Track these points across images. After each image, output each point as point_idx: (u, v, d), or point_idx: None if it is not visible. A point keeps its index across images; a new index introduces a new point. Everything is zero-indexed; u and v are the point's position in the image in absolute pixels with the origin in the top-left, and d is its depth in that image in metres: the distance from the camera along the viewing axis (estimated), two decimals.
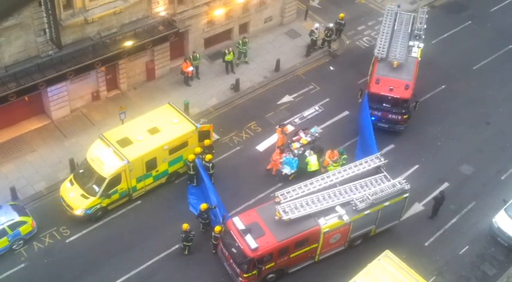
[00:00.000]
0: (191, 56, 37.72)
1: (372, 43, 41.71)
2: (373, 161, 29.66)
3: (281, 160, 32.29)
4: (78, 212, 29.35)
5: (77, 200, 29.44)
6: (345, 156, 31.91)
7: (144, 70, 37.47)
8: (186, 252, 28.76)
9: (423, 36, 37.07)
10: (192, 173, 31.29)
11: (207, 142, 31.88)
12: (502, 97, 38.87)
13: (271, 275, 27.56)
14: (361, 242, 29.49)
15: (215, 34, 40.05)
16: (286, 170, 32.25)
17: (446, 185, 32.93)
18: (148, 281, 27.94)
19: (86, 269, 28.13)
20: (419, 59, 35.79)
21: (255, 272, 26.47)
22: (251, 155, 34.01)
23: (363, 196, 27.77)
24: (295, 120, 36.28)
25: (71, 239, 29.34)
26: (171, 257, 28.89)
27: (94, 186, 29.55)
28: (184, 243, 28.35)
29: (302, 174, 31.74)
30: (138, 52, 35.14)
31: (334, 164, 31.62)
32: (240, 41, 39.27)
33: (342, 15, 42.11)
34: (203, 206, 28.87)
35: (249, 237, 26.30)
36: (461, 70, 40.67)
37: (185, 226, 27.99)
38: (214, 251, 28.72)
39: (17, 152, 32.90)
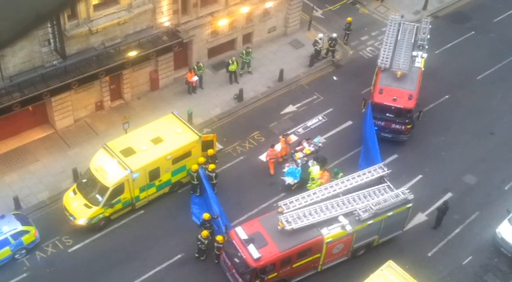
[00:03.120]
0: (195, 66, 37.84)
1: (375, 53, 41.75)
2: (376, 171, 29.61)
3: (284, 170, 32.30)
4: (81, 221, 29.37)
5: (80, 210, 29.47)
6: (341, 174, 31.09)
7: (148, 80, 37.60)
8: (204, 258, 28.90)
9: (426, 47, 37.12)
10: (195, 182, 31.31)
11: (210, 152, 31.91)
12: (506, 107, 38.81)
13: None
14: (364, 252, 29.41)
15: (219, 44, 40.18)
16: (289, 180, 32.22)
17: (449, 195, 32.84)
18: None
19: (89, 279, 28.12)
20: (423, 69, 35.82)
21: None
22: (254, 165, 34.02)
23: (366, 206, 27.71)
24: (299, 130, 36.30)
25: (74, 248, 29.36)
26: (174, 267, 28.85)
27: (97, 195, 29.59)
28: (204, 249, 28.47)
29: (305, 184, 31.70)
30: (142, 62, 35.28)
31: (315, 183, 31.34)
32: (244, 51, 39.39)
33: (349, 19, 42.35)
34: (206, 215, 28.86)
35: (251, 247, 26.26)
36: (464, 80, 40.66)
37: (205, 233, 28.03)
38: (216, 261, 28.66)
39: (21, 161, 33.00)
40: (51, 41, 31.04)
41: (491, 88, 40.14)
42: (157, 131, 31.26)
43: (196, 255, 28.87)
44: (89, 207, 29.43)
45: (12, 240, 27.94)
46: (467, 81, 40.65)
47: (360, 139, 34.83)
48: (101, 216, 29.65)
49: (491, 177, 34.12)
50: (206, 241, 28.12)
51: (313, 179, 31.56)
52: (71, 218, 29.55)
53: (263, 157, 34.34)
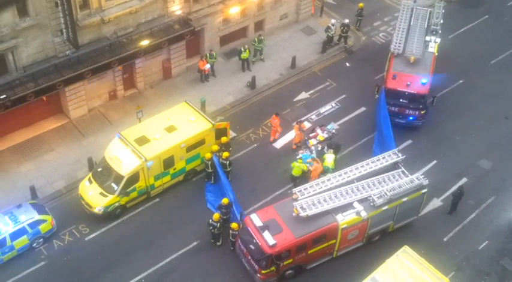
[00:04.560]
0: (207, 54, 37.81)
1: (388, 39, 41.52)
2: (390, 156, 29.54)
3: (298, 156, 32.27)
4: (97, 210, 29.56)
5: (96, 198, 29.65)
6: (330, 172, 30.94)
7: (161, 69, 37.63)
8: (220, 242, 29.11)
9: (440, 31, 36.85)
10: (209, 170, 31.39)
11: (224, 140, 31.95)
12: None
13: (289, 271, 27.56)
14: (379, 238, 29.39)
15: (231, 32, 40.10)
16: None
17: (464, 180, 32.70)
18: (167, 278, 28.09)
19: (105, 267, 28.34)
20: (436, 54, 35.58)
21: (273, 268, 26.53)
22: (268, 152, 34.03)
23: (381, 192, 27.68)
24: (312, 117, 36.23)
25: (90, 237, 29.58)
26: (190, 254, 29.00)
27: (112, 184, 29.74)
28: (217, 232, 28.64)
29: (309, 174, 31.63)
30: (154, 51, 35.30)
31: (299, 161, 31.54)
32: (256, 39, 39.28)
33: (361, 4, 42.13)
34: (225, 200, 28.93)
35: (266, 234, 26.33)
36: (478, 65, 40.35)
37: (216, 216, 28.25)
38: (232, 248, 28.78)
39: (36, 151, 33.20)
40: (64, 31, 31.13)
41: (505, 72, 39.82)
42: (170, 120, 31.33)
43: (212, 240, 29.02)
44: (105, 195, 29.60)
45: (29, 229, 28.18)
46: (481, 65, 40.35)
47: (373, 125, 34.71)
48: (116, 204, 29.82)
49: (507, 161, 33.91)
50: (218, 224, 28.24)
51: (327, 169, 31.46)
52: (87, 207, 29.78)
53: (277, 144, 34.36)
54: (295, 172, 31.50)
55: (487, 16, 44.65)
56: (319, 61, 40.36)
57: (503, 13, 45.02)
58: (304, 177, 31.58)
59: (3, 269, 28.00)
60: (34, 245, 28.71)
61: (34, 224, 28.34)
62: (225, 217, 29.05)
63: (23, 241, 28.19)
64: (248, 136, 34.93)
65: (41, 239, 28.86)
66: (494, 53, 41.22)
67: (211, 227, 28.54)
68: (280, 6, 41.62)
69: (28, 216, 28.44)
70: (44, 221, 28.66)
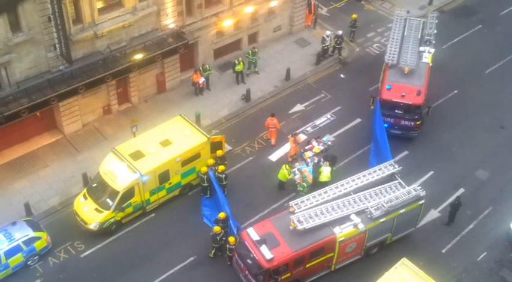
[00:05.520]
0: (201, 68, 37.72)
1: (382, 50, 41.55)
2: (387, 168, 29.43)
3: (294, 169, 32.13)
4: (93, 226, 29.29)
5: (91, 214, 29.39)
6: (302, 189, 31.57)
7: (155, 82, 37.50)
8: (212, 255, 28.88)
9: (433, 42, 36.90)
10: (205, 184, 31.19)
11: (219, 153, 31.79)
12: None
13: None
14: (378, 250, 29.21)
15: (224, 45, 40.06)
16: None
17: (462, 190, 32.60)
18: None
19: None
20: (431, 64, 35.59)
21: None
22: (264, 165, 33.87)
23: (378, 204, 27.55)
24: (308, 129, 36.13)
25: (86, 253, 29.29)
26: (187, 270, 28.74)
27: (108, 200, 29.50)
28: (213, 244, 28.46)
29: (315, 183, 31.51)
30: (148, 65, 35.19)
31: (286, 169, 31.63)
32: (250, 51, 39.24)
33: (354, 15, 42.20)
34: (222, 214, 28.74)
35: (264, 248, 26.11)
36: (473, 74, 40.39)
37: (217, 229, 28.08)
38: (229, 263, 28.53)
39: (30, 167, 32.95)
40: (57, 46, 30.99)
41: (500, 82, 39.88)
42: (165, 134, 31.16)
43: (211, 255, 28.80)
44: (100, 211, 29.34)
45: (24, 247, 27.89)
46: (476, 75, 40.39)
47: (369, 136, 34.63)
48: (112, 220, 29.56)
49: (503, 171, 33.85)
50: (218, 237, 28.12)
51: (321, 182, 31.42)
52: (82, 223, 29.51)
53: (273, 157, 34.22)
54: (280, 176, 31.64)
55: (480, 26, 44.78)
56: (313, 73, 40.33)
57: (496, 23, 45.16)
58: (291, 184, 31.72)
59: None
60: (29, 262, 28.39)
61: (29, 242, 28.05)
62: (223, 231, 28.86)
63: (18, 259, 27.88)
64: (243, 149, 34.78)
65: (36, 257, 28.56)
66: (489, 63, 41.29)
67: (217, 243, 28.51)
68: (274, 18, 41.63)
69: (23, 233, 28.15)
70: (39, 238, 28.37)
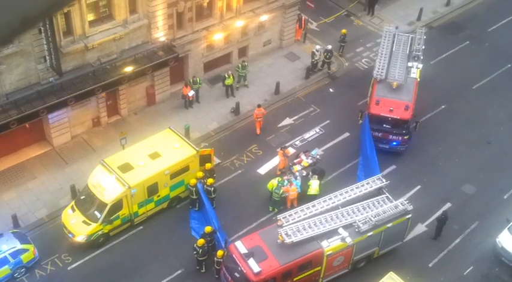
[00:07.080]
0: (191, 80, 37.87)
1: (370, 64, 41.86)
2: (374, 182, 29.60)
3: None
4: (80, 238, 29.22)
5: (79, 227, 29.32)
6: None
7: (145, 95, 37.59)
8: (204, 270, 28.67)
9: (422, 57, 37.24)
10: (194, 197, 31.22)
11: (208, 166, 31.86)
12: (503, 116, 38.90)
13: None
14: (365, 264, 29.32)
15: (214, 58, 40.23)
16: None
17: (449, 205, 32.82)
18: None
19: None
20: (419, 79, 35.92)
21: None
22: (253, 178, 33.96)
23: (366, 218, 27.67)
24: (296, 143, 36.29)
25: (73, 266, 29.19)
26: None
27: (96, 212, 29.46)
28: (200, 258, 28.27)
29: (303, 196, 31.63)
30: (138, 77, 35.28)
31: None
32: (240, 65, 39.44)
33: (344, 30, 42.59)
34: (208, 228, 28.75)
35: (251, 261, 26.15)
36: (461, 90, 40.76)
37: (201, 242, 27.93)
38: (217, 276, 28.50)
39: (18, 179, 32.87)
40: (47, 57, 31.02)
41: (487, 97, 40.24)
42: (154, 146, 31.20)
43: (197, 267, 28.74)
44: (88, 224, 29.28)
45: (11, 259, 27.77)
46: (463, 90, 40.76)
47: (357, 150, 34.84)
48: (99, 232, 29.50)
49: (490, 186, 34.12)
50: (200, 250, 27.96)
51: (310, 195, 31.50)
52: (70, 235, 29.41)
53: (261, 170, 34.33)
54: (269, 185, 31.86)
55: (468, 42, 45.22)
56: (303, 87, 40.55)
57: (483, 39, 45.63)
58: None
59: None
60: (16, 275, 28.24)
61: (16, 254, 27.93)
62: (210, 244, 28.83)
63: (4, 271, 27.73)
64: (232, 162, 34.87)
65: (23, 269, 28.42)
66: (476, 79, 41.66)
67: (194, 252, 28.30)
68: (264, 32, 41.89)
69: (10, 245, 28.02)
70: (26, 250, 28.26)
